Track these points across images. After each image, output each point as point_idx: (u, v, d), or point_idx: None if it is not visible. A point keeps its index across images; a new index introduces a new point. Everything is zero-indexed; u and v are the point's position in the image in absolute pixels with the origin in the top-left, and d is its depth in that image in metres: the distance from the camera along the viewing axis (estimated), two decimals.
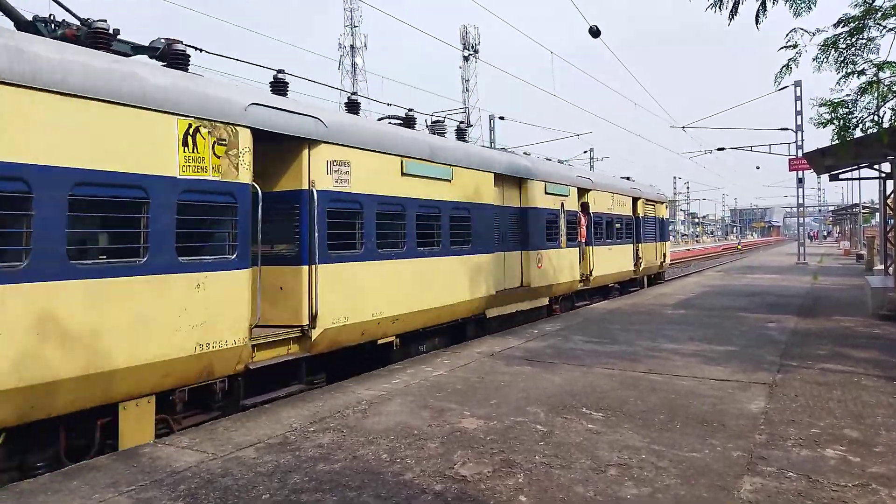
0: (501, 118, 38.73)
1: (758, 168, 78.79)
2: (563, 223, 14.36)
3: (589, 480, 4.36)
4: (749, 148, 34.96)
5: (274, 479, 4.46)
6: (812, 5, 9.43)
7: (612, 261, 17.52)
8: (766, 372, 7.61)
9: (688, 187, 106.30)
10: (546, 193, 13.64)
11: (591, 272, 16.06)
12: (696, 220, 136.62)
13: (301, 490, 4.27)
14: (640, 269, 20.09)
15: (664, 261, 23.39)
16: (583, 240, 15.64)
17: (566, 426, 5.58)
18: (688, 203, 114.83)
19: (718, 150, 36.49)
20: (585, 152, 53.09)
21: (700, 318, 12.45)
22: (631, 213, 19.43)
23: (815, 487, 4.20)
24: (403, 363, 8.68)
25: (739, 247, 78.41)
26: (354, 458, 4.87)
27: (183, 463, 4.81)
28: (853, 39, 10.04)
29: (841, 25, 10.08)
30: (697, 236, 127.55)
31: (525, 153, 16.55)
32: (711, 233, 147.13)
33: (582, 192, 15.92)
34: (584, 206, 16.01)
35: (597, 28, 15.52)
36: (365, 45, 54.91)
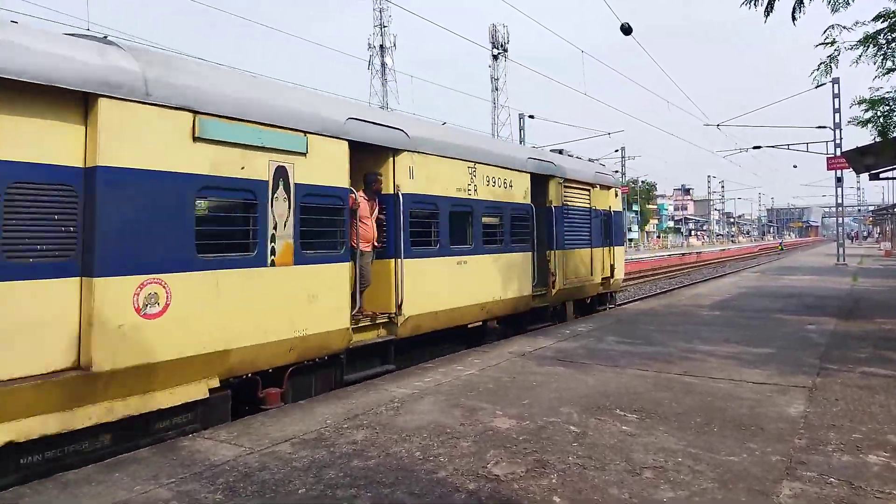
0: (531, 117, 38.61)
1: (795, 167, 77.32)
2: (277, 213, 6.66)
3: (624, 482, 4.32)
4: (786, 146, 34.21)
5: (309, 474, 4.52)
6: (850, 1, 9.22)
7: (465, 284, 9.75)
8: (806, 375, 7.45)
9: (722, 186, 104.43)
10: (200, 141, 5.98)
11: (399, 309, 8.33)
12: (732, 220, 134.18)
13: (336, 485, 4.32)
14: (556, 291, 12.33)
15: (612, 275, 15.27)
16: (368, 247, 8.24)
17: (600, 427, 5.54)
18: (723, 202, 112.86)
19: (754, 148, 35.84)
20: (617, 151, 52.56)
21: (736, 320, 12.22)
22: (525, 200, 11.59)
23: (858, 494, 4.10)
24: (434, 362, 8.71)
25: (781, 247, 77.46)
26: (388, 455, 4.91)
27: (221, 456, 4.91)
28: (894, 34, 9.79)
29: (881, 20, 9.82)
30: (733, 236, 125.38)
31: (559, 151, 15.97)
32: (748, 233, 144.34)
33: (375, 153, 8.36)
34: (370, 181, 8.30)
35: (628, 25, 15.35)
36: (394, 45, 55.17)
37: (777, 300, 15.73)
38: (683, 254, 57.30)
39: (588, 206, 13.99)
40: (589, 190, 14.05)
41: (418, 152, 8.88)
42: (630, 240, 72.45)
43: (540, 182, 12.24)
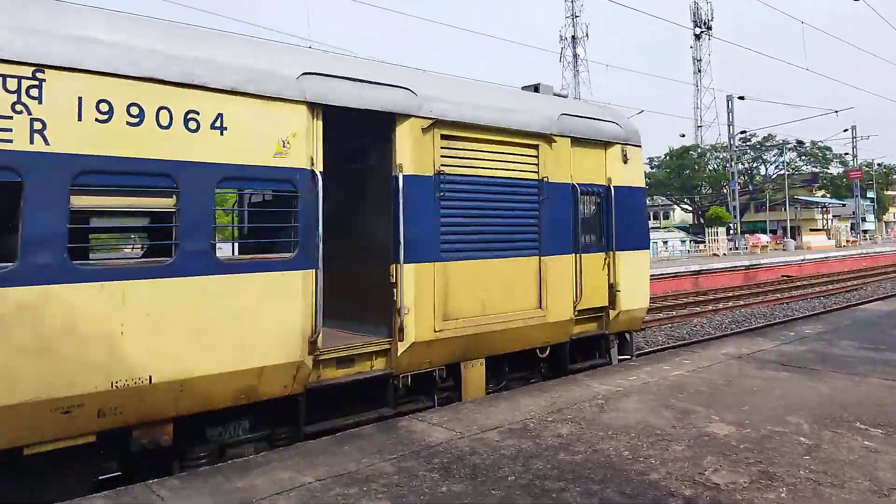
0: (741, 98, 35.60)
1: None
2: None
3: (868, 503, 3.82)
4: None
5: (518, 463, 4.63)
6: None
7: None
8: None
9: None
10: None
11: None
12: None
13: (544, 476, 4.37)
14: (410, 346, 6.09)
15: (613, 305, 8.17)
16: None
17: (836, 441, 4.94)
18: None
19: None
20: (846, 130, 46.20)
21: None
22: (285, 162, 5.27)
23: None
24: (639, 360, 8.40)
25: None
26: (594, 451, 4.86)
27: (435, 438, 5.23)
28: None
29: None
30: None
31: (770, 135, 14.43)
32: None
33: None
34: None
35: None
36: (586, 35, 54.05)
37: None
38: None
39: (533, 177, 7.36)
40: (536, 146, 7.40)
41: None
42: (864, 231, 63.33)
43: (379, 126, 6.30)
